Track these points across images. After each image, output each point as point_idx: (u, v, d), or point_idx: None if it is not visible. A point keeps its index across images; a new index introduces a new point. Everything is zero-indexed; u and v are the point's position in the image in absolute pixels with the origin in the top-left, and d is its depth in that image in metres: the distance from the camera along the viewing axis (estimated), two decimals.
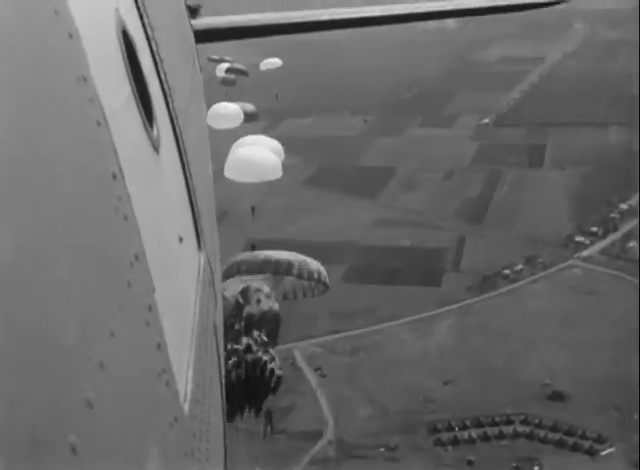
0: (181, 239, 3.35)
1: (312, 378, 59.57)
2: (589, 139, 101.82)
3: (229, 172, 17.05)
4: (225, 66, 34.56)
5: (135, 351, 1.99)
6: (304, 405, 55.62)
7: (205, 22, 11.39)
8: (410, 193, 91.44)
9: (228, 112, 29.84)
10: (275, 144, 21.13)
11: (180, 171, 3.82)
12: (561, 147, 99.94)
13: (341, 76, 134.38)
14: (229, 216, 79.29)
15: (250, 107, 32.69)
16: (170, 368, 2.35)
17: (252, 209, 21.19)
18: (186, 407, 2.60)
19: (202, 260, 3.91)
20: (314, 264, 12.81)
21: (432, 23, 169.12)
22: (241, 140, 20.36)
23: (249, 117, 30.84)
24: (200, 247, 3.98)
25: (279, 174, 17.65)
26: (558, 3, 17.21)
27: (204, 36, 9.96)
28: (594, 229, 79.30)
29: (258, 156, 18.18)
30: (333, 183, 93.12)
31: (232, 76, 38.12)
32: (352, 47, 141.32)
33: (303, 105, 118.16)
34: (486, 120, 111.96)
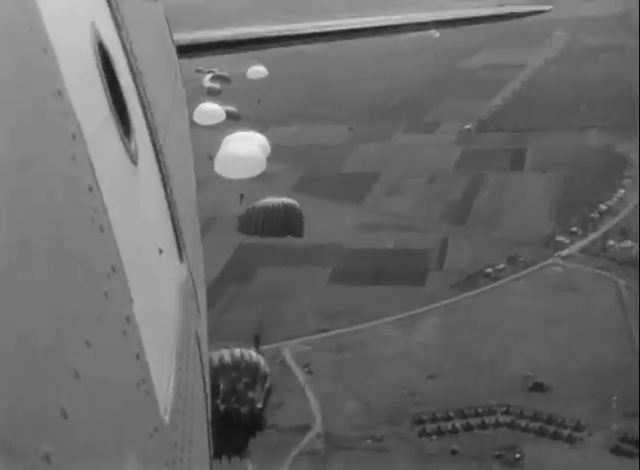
0: (161, 251, 3.35)
1: (300, 375, 61.10)
2: (569, 143, 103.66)
3: (218, 168, 18.36)
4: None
5: (112, 361, 1.99)
6: (293, 401, 57.05)
7: (188, 37, 11.43)
8: (394, 197, 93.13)
9: (212, 110, 31.72)
10: (261, 139, 22.40)
11: (160, 184, 3.81)
12: (541, 151, 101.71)
13: (325, 85, 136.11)
14: (217, 222, 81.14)
15: (231, 108, 34.67)
16: (150, 378, 2.33)
17: (241, 196, 22.11)
18: (167, 417, 2.59)
19: (183, 272, 3.92)
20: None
21: (415, 33, 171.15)
22: (231, 136, 21.43)
23: (230, 117, 32.80)
24: (182, 259, 3.99)
25: (263, 169, 18.97)
26: (540, 12, 17.46)
27: (188, 50, 10.08)
28: (574, 229, 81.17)
29: (244, 152, 19.38)
30: (318, 189, 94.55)
31: (218, 86, 40.25)
32: (336, 56, 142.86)
33: (289, 113, 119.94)
34: (469, 126, 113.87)
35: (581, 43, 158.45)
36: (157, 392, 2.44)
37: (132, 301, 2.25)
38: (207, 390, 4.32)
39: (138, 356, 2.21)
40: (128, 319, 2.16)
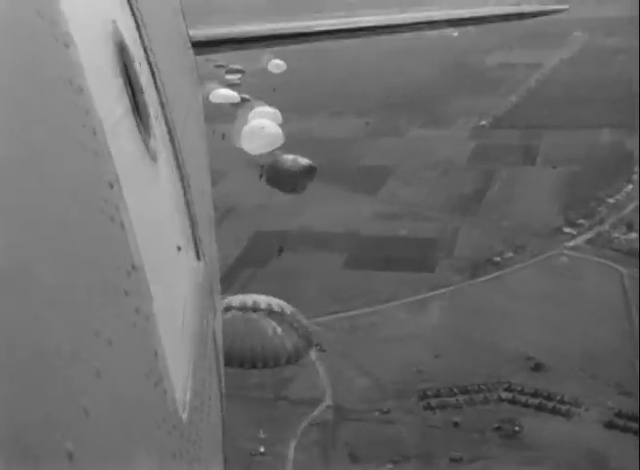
0: (179, 248, 3.34)
1: (312, 353, 63.94)
2: (581, 140, 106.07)
3: (244, 144, 19.09)
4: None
5: (132, 359, 1.99)
6: (305, 376, 59.93)
7: (203, 32, 11.24)
8: (409, 189, 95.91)
9: (227, 93, 36.15)
10: (273, 111, 25.15)
11: (178, 181, 3.77)
12: (554, 147, 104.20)
13: (343, 80, 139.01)
14: (237, 211, 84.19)
15: (245, 95, 39.18)
16: (168, 376, 2.36)
17: (261, 168, 23.71)
18: (184, 416, 2.60)
19: (201, 270, 3.90)
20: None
21: (433, 32, 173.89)
22: (254, 111, 23.77)
23: (243, 100, 37.43)
24: (198, 256, 3.96)
25: (281, 142, 21.25)
26: (558, 12, 17.06)
27: (203, 46, 10.01)
28: (581, 221, 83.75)
29: (264, 128, 21.51)
30: (335, 180, 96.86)
31: (237, 80, 43.84)
32: (355, 52, 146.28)
33: (307, 107, 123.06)
34: (484, 123, 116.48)
35: (599, 44, 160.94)
36: (175, 390, 2.48)
37: (152, 298, 2.28)
38: (223, 388, 4.33)
39: (157, 354, 2.25)
40: (148, 318, 2.18)
